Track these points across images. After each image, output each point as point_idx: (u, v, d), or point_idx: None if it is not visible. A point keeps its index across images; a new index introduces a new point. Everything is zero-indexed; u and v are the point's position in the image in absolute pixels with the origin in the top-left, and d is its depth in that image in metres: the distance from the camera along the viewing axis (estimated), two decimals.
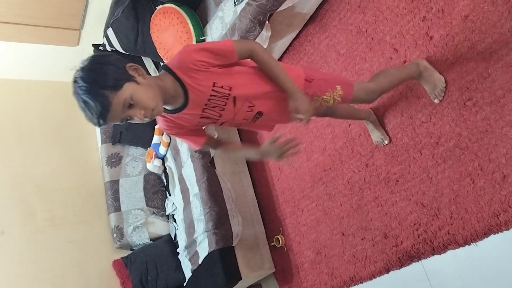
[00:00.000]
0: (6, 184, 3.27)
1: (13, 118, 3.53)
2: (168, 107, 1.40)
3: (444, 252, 1.81)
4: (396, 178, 2.03)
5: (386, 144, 2.07)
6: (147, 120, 1.31)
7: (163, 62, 3.17)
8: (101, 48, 3.34)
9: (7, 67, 3.55)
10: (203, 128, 1.63)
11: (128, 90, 1.25)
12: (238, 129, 3.26)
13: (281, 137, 1.55)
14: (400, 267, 2.01)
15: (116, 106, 1.23)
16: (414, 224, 1.94)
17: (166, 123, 1.49)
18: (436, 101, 1.84)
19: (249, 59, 1.43)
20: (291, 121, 1.59)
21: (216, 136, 1.66)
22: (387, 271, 2.08)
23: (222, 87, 1.37)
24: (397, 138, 2.02)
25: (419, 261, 1.92)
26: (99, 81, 1.23)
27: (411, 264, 1.96)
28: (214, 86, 1.36)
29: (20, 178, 3.34)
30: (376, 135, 2.10)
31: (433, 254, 1.85)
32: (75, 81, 1.25)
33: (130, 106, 1.26)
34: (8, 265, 3.03)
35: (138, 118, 1.29)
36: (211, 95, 1.37)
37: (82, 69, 1.26)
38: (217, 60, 1.34)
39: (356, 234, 2.26)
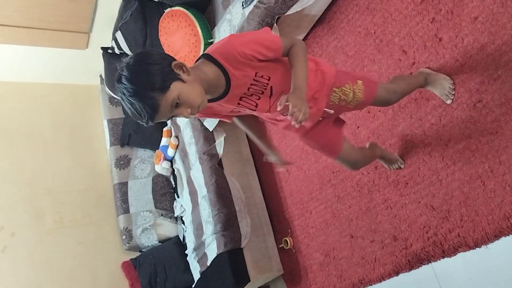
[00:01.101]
0: (16, 186, 3.31)
1: (23, 121, 3.58)
2: (219, 92, 1.37)
3: (454, 255, 1.79)
4: (405, 180, 2.02)
5: (404, 168, 2.04)
6: (192, 116, 1.33)
7: None
8: (109, 51, 3.37)
9: (17, 70, 3.60)
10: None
11: (175, 90, 1.22)
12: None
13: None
14: (410, 269, 2.00)
15: (164, 108, 1.22)
16: (424, 226, 1.93)
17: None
18: (448, 101, 1.82)
19: None
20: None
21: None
22: (397, 273, 2.07)
23: (262, 76, 1.36)
24: (406, 141, 2.02)
25: (429, 263, 1.91)
26: (146, 82, 1.21)
27: (420, 266, 1.95)
28: (256, 75, 1.35)
29: (30, 180, 3.38)
30: (392, 165, 2.06)
31: (443, 257, 1.84)
32: (119, 81, 1.23)
33: (177, 105, 1.25)
34: (17, 266, 3.07)
35: (185, 116, 1.29)
36: (251, 84, 1.36)
37: (128, 68, 1.23)
38: (265, 57, 1.33)
39: (365, 236, 2.25)
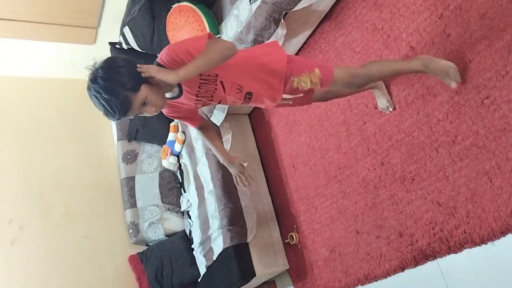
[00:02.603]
0: (24, 180, 3.34)
1: (31, 116, 3.61)
2: (167, 95, 1.59)
3: (460, 251, 1.80)
4: (412, 176, 2.02)
5: (391, 112, 2.10)
6: (155, 114, 1.52)
7: None
8: (117, 46, 3.39)
9: (25, 65, 3.62)
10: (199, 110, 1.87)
11: (144, 91, 1.43)
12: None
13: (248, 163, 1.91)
14: (416, 265, 2.00)
15: (135, 105, 1.43)
16: (430, 222, 1.93)
17: (167, 108, 1.68)
18: (453, 84, 1.77)
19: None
20: (282, 100, 1.80)
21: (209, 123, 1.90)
22: (402, 269, 2.07)
23: (208, 75, 1.54)
24: (413, 137, 2.01)
25: (435, 260, 1.92)
26: (120, 82, 1.38)
27: (426, 263, 1.96)
28: (201, 75, 1.53)
29: (39, 175, 3.41)
30: (382, 102, 2.13)
31: (449, 253, 1.84)
32: (94, 80, 1.40)
33: (145, 103, 1.46)
34: (26, 259, 3.11)
35: (150, 114, 1.50)
36: (200, 83, 1.55)
37: (102, 69, 1.40)
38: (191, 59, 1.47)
39: (370, 232, 2.26)
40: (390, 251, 2.13)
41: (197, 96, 1.61)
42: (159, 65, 1.48)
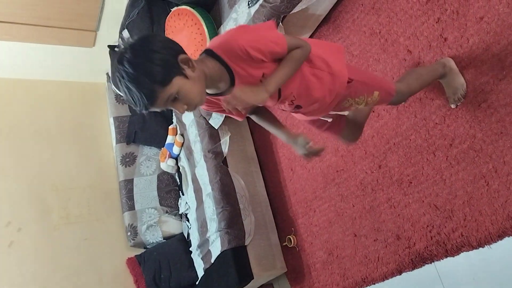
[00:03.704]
0: (23, 182, 3.34)
1: (30, 118, 3.61)
2: (209, 91, 1.35)
3: (458, 254, 1.80)
4: (409, 179, 2.03)
5: (458, 106, 1.89)
6: (187, 112, 1.30)
7: None
8: (116, 49, 3.39)
9: (24, 67, 3.63)
10: None
11: (176, 85, 1.19)
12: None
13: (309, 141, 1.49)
14: (413, 268, 2.01)
15: (161, 100, 1.19)
16: (427, 226, 1.93)
17: (206, 103, 1.44)
18: (453, 106, 1.81)
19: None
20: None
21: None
22: (400, 272, 2.08)
23: None
24: (410, 140, 2.02)
25: (432, 263, 1.92)
26: (148, 71, 1.15)
27: (424, 266, 1.96)
28: (262, 77, 1.31)
29: (37, 177, 3.41)
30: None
31: (446, 256, 1.85)
32: (120, 62, 1.17)
33: (175, 99, 1.22)
34: (24, 261, 3.10)
35: (180, 111, 1.26)
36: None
37: (132, 50, 1.17)
38: (270, 59, 1.29)
39: (368, 235, 2.26)
40: (388, 254, 2.14)
41: None
42: (212, 53, 1.26)
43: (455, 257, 1.82)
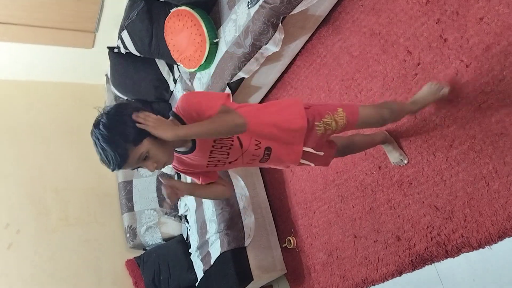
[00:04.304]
0: (22, 184, 3.34)
1: (29, 119, 3.61)
2: (179, 149, 1.45)
3: (458, 255, 1.80)
4: (409, 180, 2.03)
5: (405, 164, 2.04)
6: (155, 170, 1.38)
7: (177, 64, 3.20)
8: (115, 50, 3.39)
9: (23, 68, 3.63)
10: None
11: (146, 145, 1.30)
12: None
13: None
14: (413, 270, 2.00)
15: (132, 159, 1.30)
16: (428, 227, 1.93)
17: (176, 162, 1.53)
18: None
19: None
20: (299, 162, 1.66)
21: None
22: (400, 273, 2.07)
23: None
24: (410, 141, 2.02)
25: (432, 264, 1.92)
26: (121, 133, 1.27)
27: (424, 267, 1.96)
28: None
29: (36, 179, 3.40)
30: (394, 156, 2.07)
31: (446, 257, 1.84)
32: (96, 126, 1.29)
33: (146, 158, 1.33)
34: (23, 263, 3.10)
35: (150, 169, 1.36)
36: (215, 139, 1.42)
37: (107, 116, 1.29)
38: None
39: (368, 236, 2.26)
40: (388, 255, 2.13)
41: (211, 153, 1.45)
42: (174, 115, 1.39)
43: (456, 258, 1.81)
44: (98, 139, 1.28)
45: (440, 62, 1.87)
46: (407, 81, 2.03)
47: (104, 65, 3.69)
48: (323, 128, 1.59)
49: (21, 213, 3.25)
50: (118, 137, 1.27)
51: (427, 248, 1.92)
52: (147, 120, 1.28)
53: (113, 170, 1.31)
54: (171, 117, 1.41)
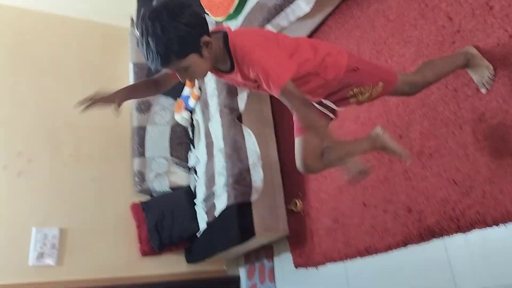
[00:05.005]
0: (38, 115, 3.36)
1: (52, 53, 3.61)
2: (219, 66, 1.46)
3: (469, 231, 1.74)
4: (430, 152, 1.96)
5: (407, 163, 1.99)
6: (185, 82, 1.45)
7: (205, 12, 3.11)
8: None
9: (51, 1, 3.58)
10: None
11: (189, 60, 1.30)
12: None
13: None
14: (420, 242, 1.96)
15: (172, 67, 1.32)
16: (442, 200, 1.87)
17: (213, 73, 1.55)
18: (483, 90, 1.73)
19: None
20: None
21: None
22: (405, 245, 2.03)
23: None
24: (437, 111, 1.94)
25: (441, 237, 1.87)
26: (171, 40, 1.24)
27: (431, 240, 1.91)
28: (258, 88, 1.49)
29: (52, 112, 3.42)
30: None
31: (457, 232, 1.79)
32: (150, 17, 1.25)
33: (185, 70, 1.33)
34: (30, 192, 3.13)
35: (182, 80, 1.40)
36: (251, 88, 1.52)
37: (166, 11, 1.25)
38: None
39: (378, 205, 2.21)
40: (396, 226, 2.09)
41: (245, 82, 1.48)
42: (226, 47, 1.37)
43: (467, 234, 1.76)
44: (148, 32, 1.25)
45: (482, 30, 1.77)
46: (443, 49, 1.93)
47: (131, 8, 3.63)
48: (353, 94, 1.58)
49: (34, 143, 3.27)
50: (167, 42, 1.24)
51: (439, 222, 1.87)
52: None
53: (147, 64, 1.34)
54: (220, 35, 1.39)
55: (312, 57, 1.49)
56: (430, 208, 1.92)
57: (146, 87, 1.63)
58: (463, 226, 1.76)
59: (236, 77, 1.46)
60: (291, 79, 1.36)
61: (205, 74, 1.43)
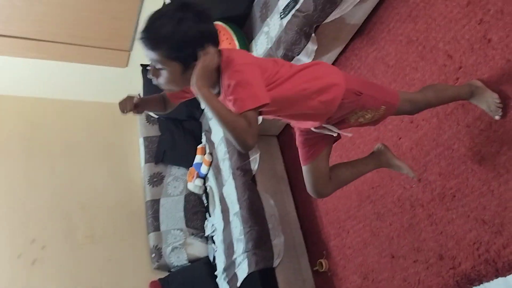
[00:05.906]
0: (50, 199, 3.35)
1: (62, 137, 3.67)
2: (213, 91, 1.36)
3: (510, 274, 1.61)
4: (452, 193, 1.87)
5: (412, 178, 1.90)
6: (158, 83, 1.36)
7: None
8: (148, 68, 3.42)
9: (59, 87, 3.73)
10: None
11: (170, 66, 1.26)
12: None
13: None
14: None
15: (151, 55, 1.27)
16: (474, 243, 1.75)
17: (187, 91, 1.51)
18: (497, 117, 1.69)
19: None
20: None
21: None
22: None
23: None
24: (453, 150, 1.88)
25: (481, 284, 1.73)
26: (176, 33, 1.22)
27: None
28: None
29: (64, 194, 3.41)
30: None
31: (497, 276, 1.65)
32: (181, 4, 1.25)
33: (160, 70, 1.29)
34: (46, 280, 3.06)
35: (148, 75, 1.35)
36: None
37: (196, 7, 1.25)
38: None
39: (407, 256, 2.09)
40: (430, 276, 1.95)
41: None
42: (221, 55, 1.30)
43: (507, 277, 1.62)
44: (167, 10, 1.24)
45: (484, 63, 1.76)
46: None
47: (138, 84, 3.73)
48: (356, 118, 1.54)
49: (48, 228, 3.23)
50: (172, 32, 1.21)
51: (474, 267, 1.74)
52: (203, 59, 1.23)
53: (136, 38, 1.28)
54: (221, 55, 1.30)
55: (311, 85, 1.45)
56: (463, 253, 1.80)
57: (158, 100, 1.62)
58: (501, 268, 1.63)
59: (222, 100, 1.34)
60: (257, 109, 1.25)
61: (171, 86, 1.37)
